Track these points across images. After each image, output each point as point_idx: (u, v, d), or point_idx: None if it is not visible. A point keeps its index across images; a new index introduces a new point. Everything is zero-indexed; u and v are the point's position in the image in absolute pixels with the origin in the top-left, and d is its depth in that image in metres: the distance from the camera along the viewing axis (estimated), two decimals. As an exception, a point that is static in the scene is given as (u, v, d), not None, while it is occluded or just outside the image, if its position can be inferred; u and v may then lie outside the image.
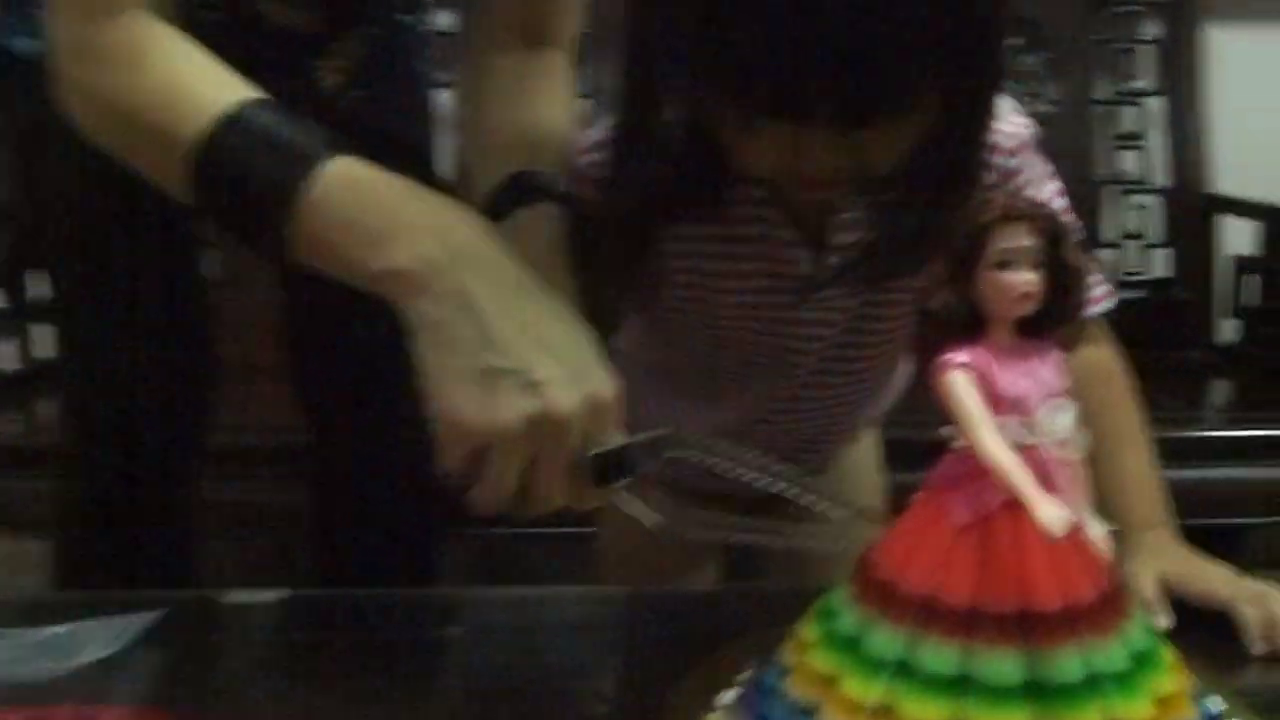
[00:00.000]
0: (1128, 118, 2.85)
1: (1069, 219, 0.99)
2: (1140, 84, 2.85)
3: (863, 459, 1.34)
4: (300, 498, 1.37)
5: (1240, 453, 2.22)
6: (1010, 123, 1.03)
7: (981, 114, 0.92)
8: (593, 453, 0.83)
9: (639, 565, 1.22)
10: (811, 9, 0.78)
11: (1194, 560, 0.98)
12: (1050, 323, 0.69)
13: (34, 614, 0.92)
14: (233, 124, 0.88)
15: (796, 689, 0.69)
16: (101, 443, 1.28)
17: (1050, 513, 0.62)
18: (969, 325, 0.68)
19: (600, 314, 1.01)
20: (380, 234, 0.84)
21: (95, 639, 0.88)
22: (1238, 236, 2.77)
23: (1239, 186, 2.80)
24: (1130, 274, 2.82)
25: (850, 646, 0.67)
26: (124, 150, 0.95)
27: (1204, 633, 0.90)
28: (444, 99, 1.36)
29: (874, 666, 0.66)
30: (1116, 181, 2.84)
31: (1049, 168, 1.07)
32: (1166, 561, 0.97)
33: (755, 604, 0.85)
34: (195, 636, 0.94)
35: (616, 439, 0.84)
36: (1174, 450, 2.08)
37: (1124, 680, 0.65)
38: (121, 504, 1.26)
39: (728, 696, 0.77)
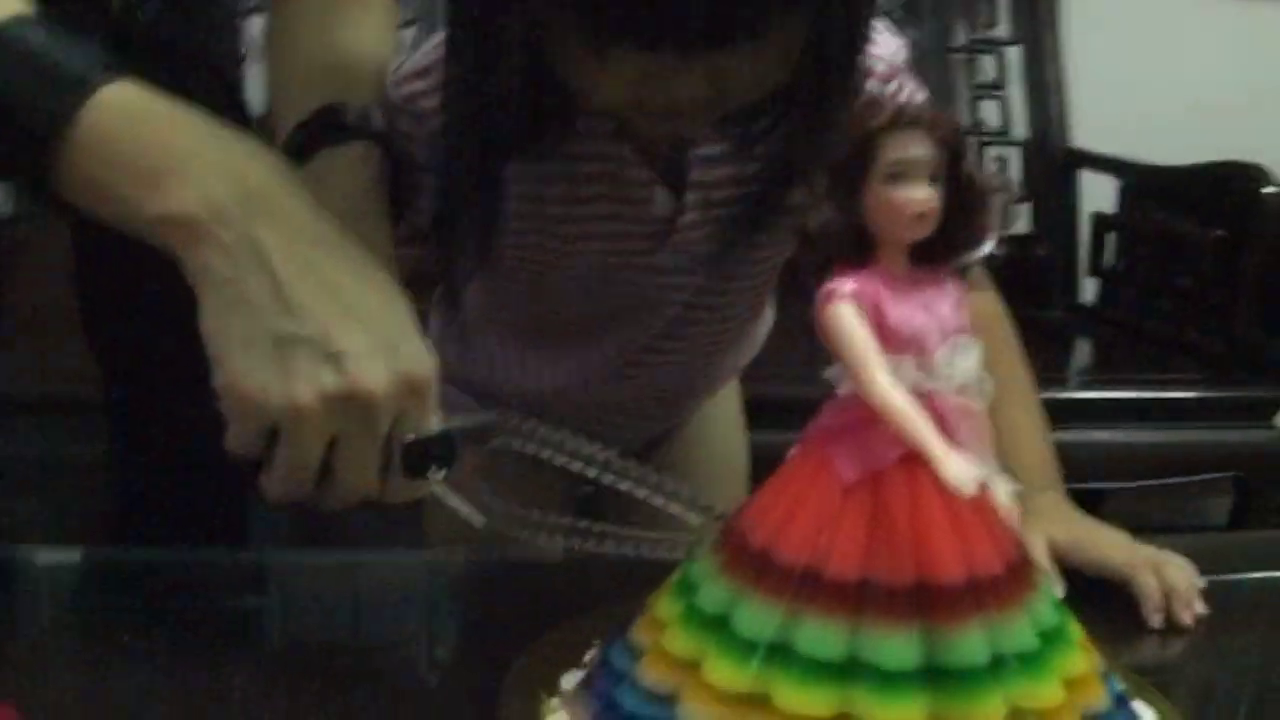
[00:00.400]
0: (987, 66, 2.82)
1: None
2: (999, 32, 2.82)
3: (722, 415, 1.24)
4: (101, 451, 1.23)
5: (1101, 416, 2.20)
6: (883, 45, 0.94)
7: (854, 37, 0.82)
8: (406, 440, 0.72)
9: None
10: None
11: (1087, 525, 0.91)
12: (949, 249, 0.59)
13: None
14: None
15: (651, 673, 0.59)
16: None
17: (959, 469, 0.53)
18: (856, 249, 0.58)
19: (429, 269, 0.91)
20: (159, 172, 0.71)
21: None
22: (1100, 193, 2.74)
23: (1100, 141, 2.78)
24: (988, 228, 2.79)
25: (715, 625, 0.57)
26: None
27: (1097, 602, 0.82)
28: (256, 25, 1.23)
29: (743, 648, 0.56)
30: (976, 132, 2.80)
31: (925, 93, 0.98)
32: (1058, 526, 0.90)
33: (605, 572, 0.75)
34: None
35: (433, 424, 0.73)
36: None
37: (1031, 661, 0.56)
38: None
39: (571, 679, 0.66)
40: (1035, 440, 0.98)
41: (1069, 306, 2.75)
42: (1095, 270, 2.73)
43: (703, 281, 0.99)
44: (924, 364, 0.57)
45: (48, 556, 0.90)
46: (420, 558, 1.02)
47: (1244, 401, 2.16)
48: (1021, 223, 2.80)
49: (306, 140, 0.87)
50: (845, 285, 0.56)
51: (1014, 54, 2.82)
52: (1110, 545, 0.88)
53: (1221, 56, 2.88)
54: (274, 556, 0.95)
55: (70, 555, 0.91)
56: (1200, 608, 0.83)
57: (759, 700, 0.55)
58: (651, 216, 0.93)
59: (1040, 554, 0.86)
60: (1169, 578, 0.84)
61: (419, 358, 0.73)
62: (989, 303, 1.02)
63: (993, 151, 2.81)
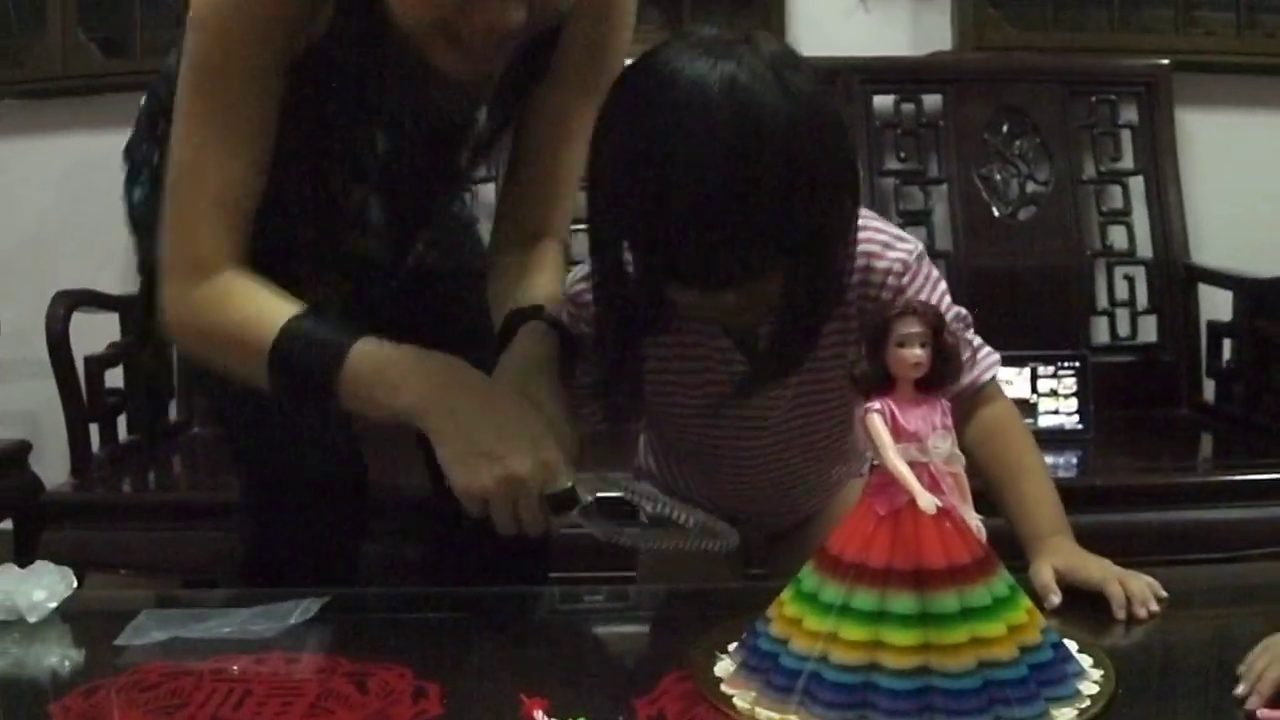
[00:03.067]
0: (1114, 195, 3.17)
1: (954, 309, 1.40)
2: (1123, 164, 3.17)
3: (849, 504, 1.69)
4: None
5: (1226, 495, 2.53)
6: (896, 250, 1.37)
7: (824, 273, 1.27)
8: (546, 492, 1.25)
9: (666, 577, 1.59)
10: (686, 222, 1.16)
11: (1080, 555, 1.31)
12: (936, 381, 1.04)
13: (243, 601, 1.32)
14: (287, 334, 1.30)
15: (775, 629, 1.05)
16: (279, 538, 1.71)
17: (926, 501, 0.98)
18: (882, 384, 1.03)
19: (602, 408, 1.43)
20: (395, 385, 1.29)
21: (289, 612, 1.26)
22: (1218, 303, 3.07)
23: (1217, 258, 3.11)
24: (1121, 339, 3.13)
25: (810, 599, 1.03)
26: (215, 364, 1.40)
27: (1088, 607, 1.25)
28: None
29: (825, 609, 1.01)
30: (1106, 254, 3.15)
31: (936, 275, 1.41)
32: (1059, 558, 1.30)
33: (761, 595, 1.18)
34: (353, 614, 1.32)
35: (565, 482, 1.25)
36: (1170, 495, 2.43)
37: (987, 612, 1.00)
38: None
39: (734, 643, 1.12)
40: (1044, 501, 1.37)
41: (1193, 404, 3.07)
42: (1211, 372, 3.06)
43: (786, 414, 1.45)
44: (921, 448, 1.01)
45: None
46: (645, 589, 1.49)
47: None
48: (1149, 332, 3.14)
49: (504, 329, 1.43)
50: (875, 404, 1.02)
51: (1137, 183, 3.15)
52: (1094, 567, 1.28)
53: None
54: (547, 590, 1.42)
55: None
56: (1154, 607, 1.23)
57: (833, 637, 1.00)
58: (738, 372, 1.40)
59: (1046, 575, 1.28)
60: (1130, 587, 1.24)
61: (550, 448, 1.25)
62: (999, 410, 1.43)
63: (1120, 271, 3.14)
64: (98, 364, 2.61)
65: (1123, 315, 3.14)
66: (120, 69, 3.10)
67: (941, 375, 1.04)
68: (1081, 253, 3.12)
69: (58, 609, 1.29)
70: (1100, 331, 3.14)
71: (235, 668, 1.14)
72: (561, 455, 1.26)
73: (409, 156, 1.51)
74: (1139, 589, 1.25)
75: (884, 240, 1.36)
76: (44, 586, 1.29)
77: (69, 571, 1.33)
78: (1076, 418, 2.81)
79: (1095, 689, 1.04)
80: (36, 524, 2.39)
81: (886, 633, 0.98)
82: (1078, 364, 2.85)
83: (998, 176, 3.12)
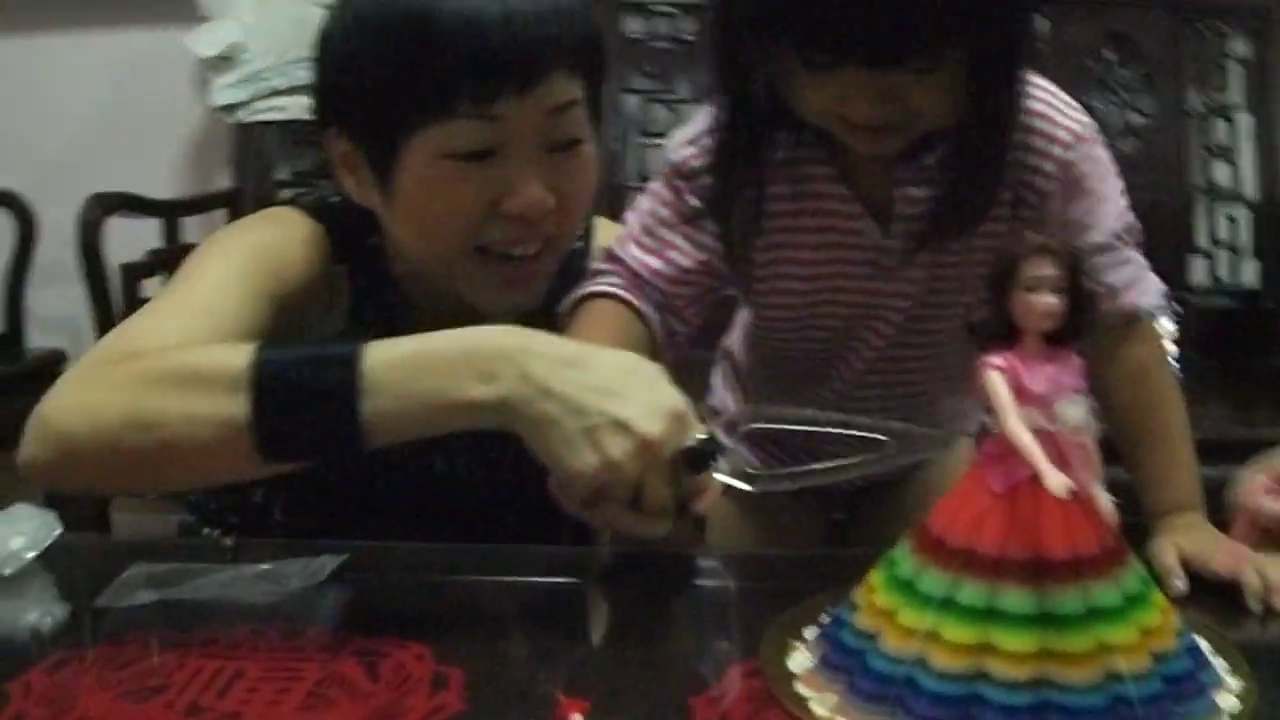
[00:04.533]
0: (1219, 130, 3.00)
1: (1127, 218, 1.24)
2: (1231, 98, 3.01)
3: (955, 469, 1.53)
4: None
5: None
6: (1069, 117, 1.22)
7: (1007, 79, 1.13)
8: (682, 448, 1.03)
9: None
10: None
11: (1215, 539, 1.15)
12: (1069, 335, 0.87)
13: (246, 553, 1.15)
14: (265, 351, 1.04)
15: (863, 620, 0.88)
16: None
17: (1056, 481, 0.81)
18: (1005, 336, 0.86)
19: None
20: (485, 371, 1.02)
21: (297, 573, 1.09)
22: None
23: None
24: (1221, 282, 2.96)
25: (906, 587, 0.86)
26: (132, 438, 1.03)
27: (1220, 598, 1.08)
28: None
29: (924, 601, 0.85)
30: (1208, 192, 2.98)
31: (1111, 164, 1.25)
32: (1188, 539, 1.14)
33: (845, 564, 1.01)
34: (372, 576, 1.14)
35: (697, 433, 1.05)
36: (1264, 448, 2.26)
37: (1116, 614, 0.83)
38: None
39: (811, 632, 0.96)
40: (1181, 470, 1.22)
41: (1295, 354, 2.90)
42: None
43: (912, 308, 1.29)
44: (1047, 413, 0.84)
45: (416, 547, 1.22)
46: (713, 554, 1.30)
47: None
48: (1250, 277, 2.98)
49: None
50: (995, 360, 0.85)
51: (1244, 120, 3.00)
52: (1225, 553, 1.12)
53: None
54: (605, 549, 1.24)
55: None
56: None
57: (934, 637, 0.83)
58: (867, 245, 1.24)
59: (1170, 558, 1.11)
60: (1270, 575, 1.08)
61: (673, 397, 1.04)
62: (1145, 355, 1.26)
63: (1223, 210, 2.99)
64: (133, 272, 2.49)
65: (1223, 257, 3.00)
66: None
67: (1076, 327, 0.87)
68: (1182, 189, 2.97)
69: (38, 558, 1.13)
70: (1199, 273, 2.98)
71: (227, 641, 0.98)
72: (684, 403, 1.05)
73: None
74: (1279, 576, 1.08)
75: (1059, 104, 1.22)
76: (22, 533, 1.13)
77: (52, 516, 1.17)
78: (1173, 363, 2.63)
79: (1235, 703, 0.87)
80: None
81: (997, 635, 0.82)
82: (1176, 306, 2.67)
83: (1098, 105, 2.95)
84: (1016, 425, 0.83)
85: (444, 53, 1.14)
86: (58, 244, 2.82)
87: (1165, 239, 2.92)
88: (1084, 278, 0.86)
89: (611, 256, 1.28)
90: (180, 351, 1.07)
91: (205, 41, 2.91)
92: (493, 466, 1.33)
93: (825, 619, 0.94)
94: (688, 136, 1.27)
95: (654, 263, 1.26)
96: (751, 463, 1.08)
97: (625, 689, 0.91)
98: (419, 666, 0.93)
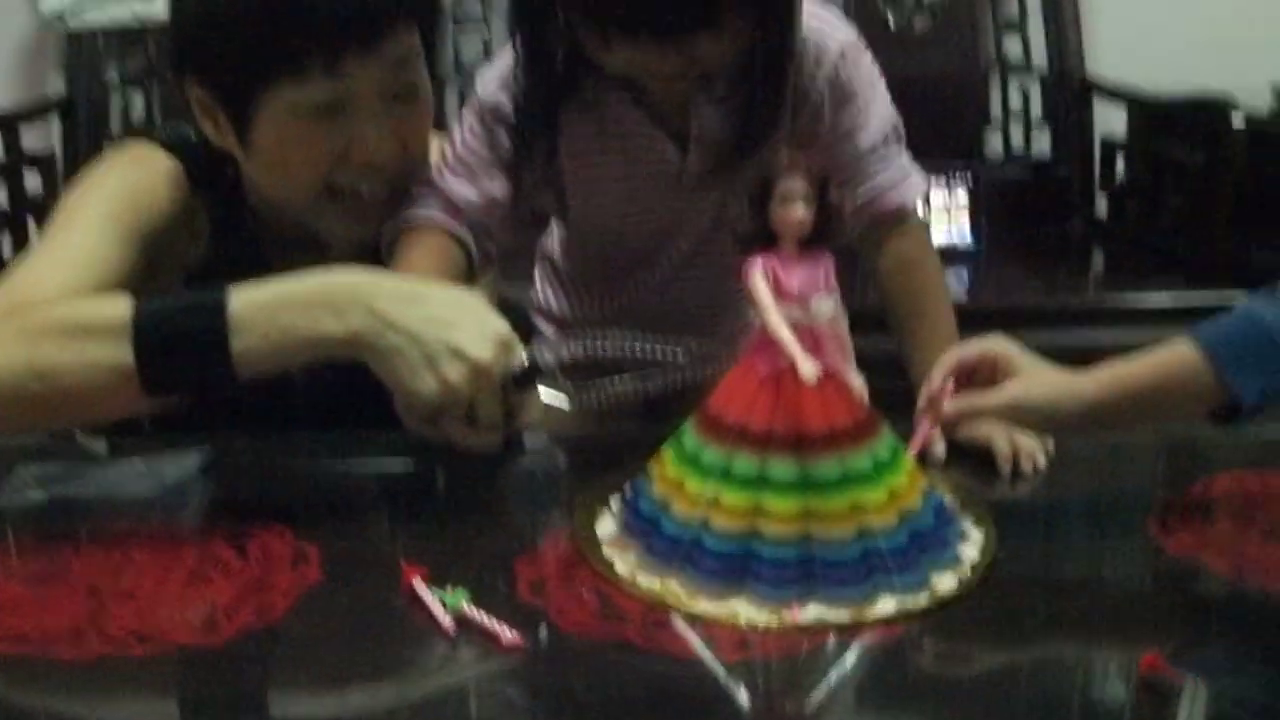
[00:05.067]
0: (1010, 5, 3.13)
1: (894, 120, 1.40)
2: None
3: None
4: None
5: (1115, 318, 2.55)
6: (836, 31, 1.37)
7: (785, 31, 1.27)
8: (513, 370, 1.16)
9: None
10: None
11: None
12: (820, 239, 1.00)
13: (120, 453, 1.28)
14: (145, 302, 1.14)
15: (656, 490, 1.02)
16: None
17: (807, 367, 0.94)
18: (766, 240, 1.00)
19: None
20: (337, 307, 1.13)
21: (170, 468, 1.22)
22: (1112, 119, 3.07)
23: (1115, 71, 3.09)
24: (1015, 153, 3.13)
25: (691, 461, 1.00)
26: (31, 384, 1.12)
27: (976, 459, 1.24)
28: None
29: (705, 472, 0.99)
30: (1001, 64, 3.12)
31: (876, 71, 1.40)
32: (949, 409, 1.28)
33: (649, 443, 1.12)
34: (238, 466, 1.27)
35: (521, 356, 1.18)
36: (1062, 316, 2.43)
37: (868, 479, 0.98)
38: None
39: (616, 499, 1.10)
40: (942, 349, 1.29)
41: (1087, 220, 3.09)
42: (1105, 188, 3.06)
43: (706, 224, 1.43)
44: (804, 308, 0.98)
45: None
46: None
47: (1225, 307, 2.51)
48: (1043, 146, 3.14)
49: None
50: (757, 262, 0.98)
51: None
52: (983, 423, 1.24)
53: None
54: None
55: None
56: (1041, 462, 1.23)
57: (714, 503, 0.97)
58: (666, 165, 1.38)
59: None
60: (1018, 441, 1.23)
61: (500, 327, 1.16)
62: (916, 241, 1.42)
63: (1016, 82, 3.12)
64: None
65: (1017, 129, 3.15)
66: None
67: (825, 233, 1.00)
68: (976, 63, 3.11)
69: None
70: (994, 145, 3.13)
71: (113, 532, 1.09)
72: (509, 331, 1.17)
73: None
74: (1027, 444, 1.24)
75: (827, 19, 1.35)
76: None
77: None
78: (970, 233, 2.80)
79: (976, 555, 1.03)
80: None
81: (767, 500, 0.96)
82: (971, 177, 2.83)
83: (892, -16, 3.07)
84: (776, 319, 0.97)
85: (294, 15, 1.23)
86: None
87: (961, 112, 3.08)
88: (830, 190, 1.00)
89: (430, 183, 1.38)
90: (67, 305, 1.17)
91: (32, -47, 2.92)
92: (342, 372, 1.44)
93: (627, 489, 1.08)
94: (498, 75, 1.38)
95: (468, 193, 1.37)
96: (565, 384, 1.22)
97: (459, 555, 1.04)
98: (280, 545, 1.06)
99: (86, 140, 3.02)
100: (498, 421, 1.18)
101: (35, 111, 2.96)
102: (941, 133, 2.96)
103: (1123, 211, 3.01)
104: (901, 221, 1.40)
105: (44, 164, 2.92)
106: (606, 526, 1.07)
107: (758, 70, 1.28)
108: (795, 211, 0.98)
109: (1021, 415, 1.15)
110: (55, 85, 3.10)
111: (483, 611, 0.93)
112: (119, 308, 1.13)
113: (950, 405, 1.17)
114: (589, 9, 1.21)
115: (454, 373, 1.12)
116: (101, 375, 1.12)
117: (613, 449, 1.29)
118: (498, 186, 1.38)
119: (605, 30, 1.21)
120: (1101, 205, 3.09)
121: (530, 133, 1.36)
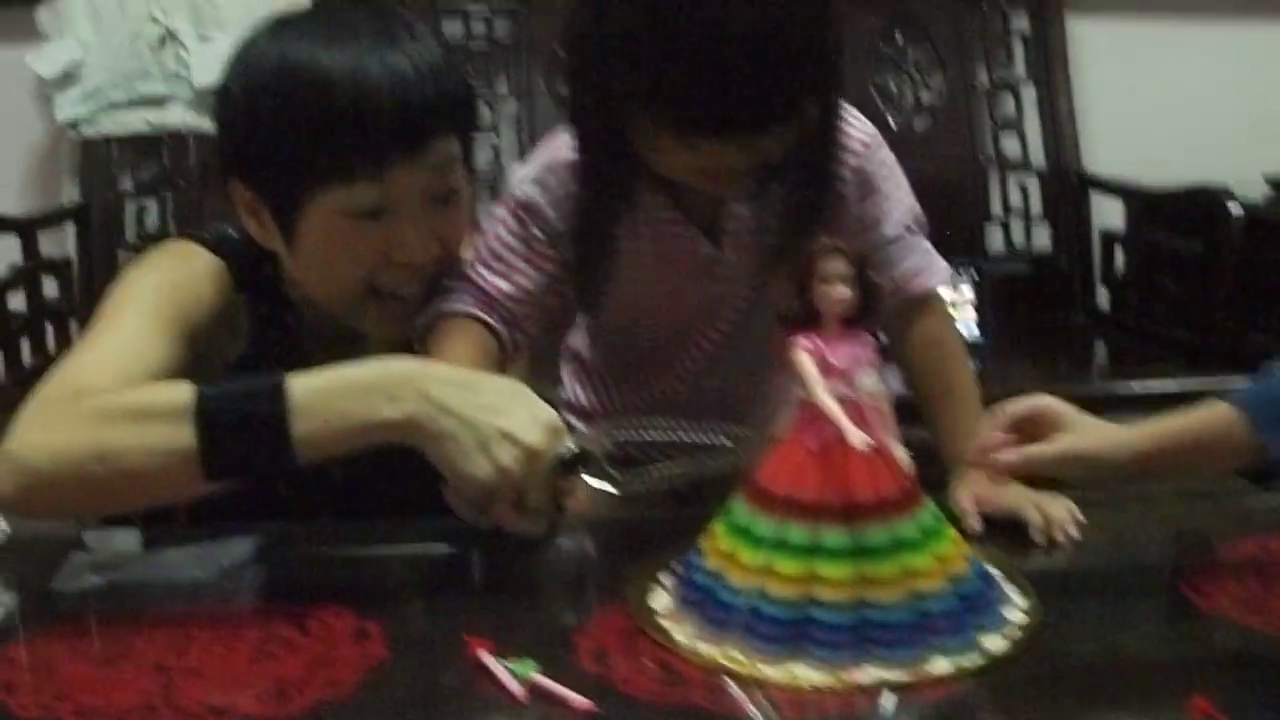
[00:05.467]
0: (1006, 104, 3.20)
1: (915, 210, 1.46)
2: (1016, 72, 3.21)
3: None
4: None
5: (1119, 405, 2.58)
6: (857, 128, 1.42)
7: (836, 116, 1.33)
8: (559, 458, 1.21)
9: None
10: (714, 55, 1.18)
11: (1001, 484, 1.32)
12: (862, 318, 1.05)
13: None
14: (206, 389, 1.17)
15: (710, 562, 1.06)
16: None
17: (858, 437, 0.99)
18: (809, 321, 1.05)
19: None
20: (390, 394, 1.17)
21: (222, 554, 1.24)
22: (1112, 210, 3.12)
23: (1111, 166, 3.16)
24: (1016, 248, 3.18)
25: (742, 532, 1.04)
26: (98, 469, 1.16)
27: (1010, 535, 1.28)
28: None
29: (758, 543, 1.03)
30: (1000, 163, 3.19)
31: (896, 165, 1.46)
32: (980, 486, 1.32)
33: (689, 523, 1.17)
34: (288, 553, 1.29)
35: (569, 443, 1.22)
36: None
37: (916, 544, 1.02)
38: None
39: (668, 575, 1.13)
40: (970, 426, 1.38)
41: (1088, 313, 3.13)
42: (1105, 280, 3.11)
43: (741, 310, 1.48)
44: (848, 384, 1.03)
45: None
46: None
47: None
48: (1043, 241, 3.19)
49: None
50: (803, 341, 1.03)
51: (1029, 93, 3.19)
52: (1012, 495, 1.29)
53: (1218, 79, 3.22)
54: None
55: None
56: (1073, 532, 1.26)
57: (768, 570, 1.01)
58: (698, 254, 1.43)
59: (967, 502, 1.30)
60: (1048, 511, 1.27)
61: (549, 414, 1.21)
62: (941, 323, 1.47)
63: (1015, 179, 3.18)
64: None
65: (1017, 224, 3.20)
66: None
67: (866, 311, 1.05)
68: (976, 162, 3.17)
69: None
70: (995, 241, 3.19)
71: (172, 613, 1.13)
72: (558, 418, 1.22)
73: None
74: (1057, 513, 1.28)
75: (848, 118, 1.40)
76: None
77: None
78: (975, 327, 2.85)
79: (1023, 617, 1.07)
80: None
81: (821, 566, 1.00)
82: (975, 272, 2.88)
83: (892, 86, 3.14)
84: (823, 394, 1.02)
85: (344, 124, 1.28)
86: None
87: (963, 209, 3.13)
88: (869, 272, 1.05)
89: (465, 277, 1.44)
90: (128, 391, 1.21)
91: (46, 60, 2.98)
92: (382, 472, 1.48)
93: (679, 566, 1.12)
94: (531, 174, 1.44)
95: (502, 284, 1.42)
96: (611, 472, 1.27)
97: (516, 629, 1.08)
98: (341, 623, 1.10)
99: (102, 247, 3.06)
100: (546, 506, 1.23)
101: (52, 218, 3.01)
102: (944, 229, 2.97)
103: (1123, 302, 3.07)
104: (926, 303, 1.45)
105: (61, 270, 2.96)
106: (661, 600, 1.11)
107: (806, 164, 1.33)
108: (838, 291, 1.03)
109: (1073, 465, 1.22)
110: (70, 193, 3.15)
111: (552, 680, 0.96)
112: (180, 392, 1.17)
113: (1005, 455, 1.22)
114: (668, 112, 1.24)
115: (506, 456, 1.16)
116: (163, 459, 1.16)
117: (649, 530, 1.34)
118: (530, 279, 1.43)
119: (682, 131, 1.24)
120: (1102, 296, 3.14)
121: (587, 229, 1.41)
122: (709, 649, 1.02)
